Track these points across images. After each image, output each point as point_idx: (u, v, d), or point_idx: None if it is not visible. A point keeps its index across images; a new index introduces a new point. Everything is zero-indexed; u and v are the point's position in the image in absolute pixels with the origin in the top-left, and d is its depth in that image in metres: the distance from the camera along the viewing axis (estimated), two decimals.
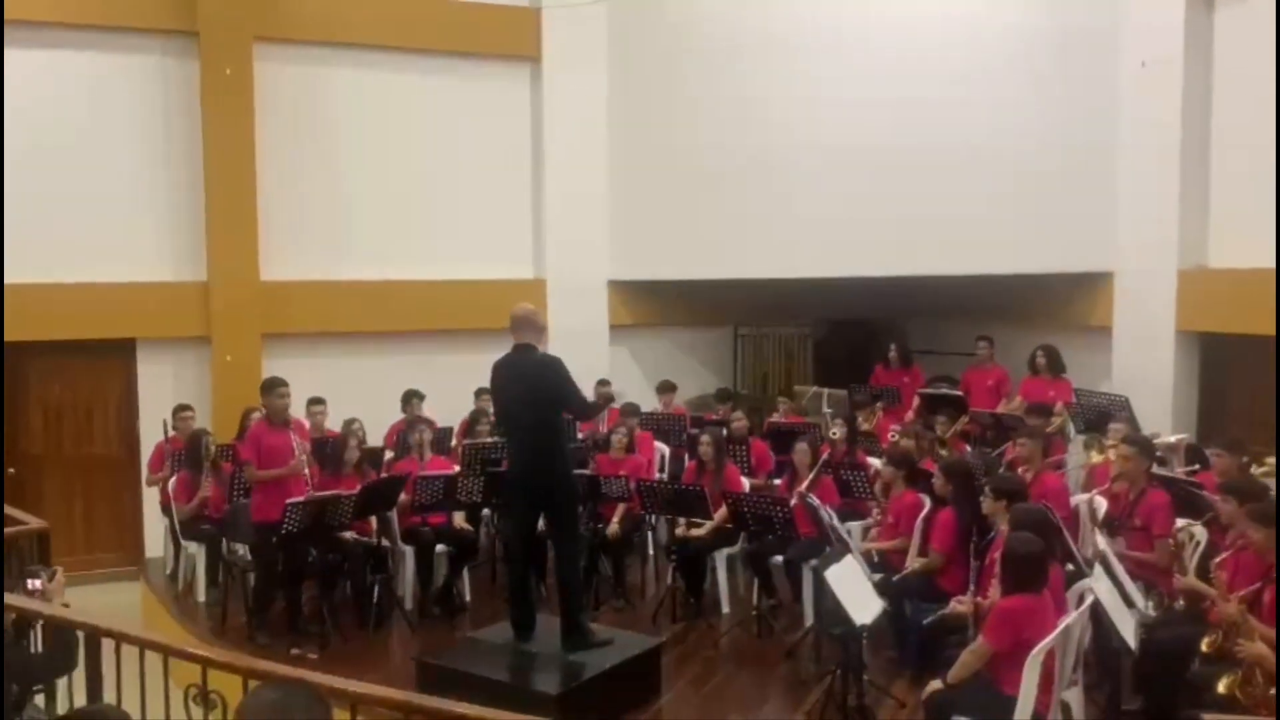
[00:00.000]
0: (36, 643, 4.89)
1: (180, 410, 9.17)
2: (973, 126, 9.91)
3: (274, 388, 7.45)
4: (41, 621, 4.69)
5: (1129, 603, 5.32)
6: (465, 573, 8.16)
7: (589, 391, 7.75)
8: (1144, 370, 9.66)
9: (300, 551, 7.28)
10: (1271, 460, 6.78)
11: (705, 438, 8.14)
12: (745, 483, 8.22)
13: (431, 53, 10.99)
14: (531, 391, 6.29)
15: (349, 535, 7.66)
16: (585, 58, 11.29)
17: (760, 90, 10.35)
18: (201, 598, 8.38)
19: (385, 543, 7.89)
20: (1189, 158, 9.47)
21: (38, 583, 4.78)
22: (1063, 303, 10.54)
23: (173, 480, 8.59)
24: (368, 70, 10.79)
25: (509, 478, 6.77)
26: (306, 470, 7.33)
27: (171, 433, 9.11)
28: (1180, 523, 6.27)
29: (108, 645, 4.59)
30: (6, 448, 9.41)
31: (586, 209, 11.34)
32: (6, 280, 9.16)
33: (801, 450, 7.78)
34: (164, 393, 9.83)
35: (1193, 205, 9.52)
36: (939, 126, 9.92)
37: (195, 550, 8.48)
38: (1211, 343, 9.61)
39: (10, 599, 4.64)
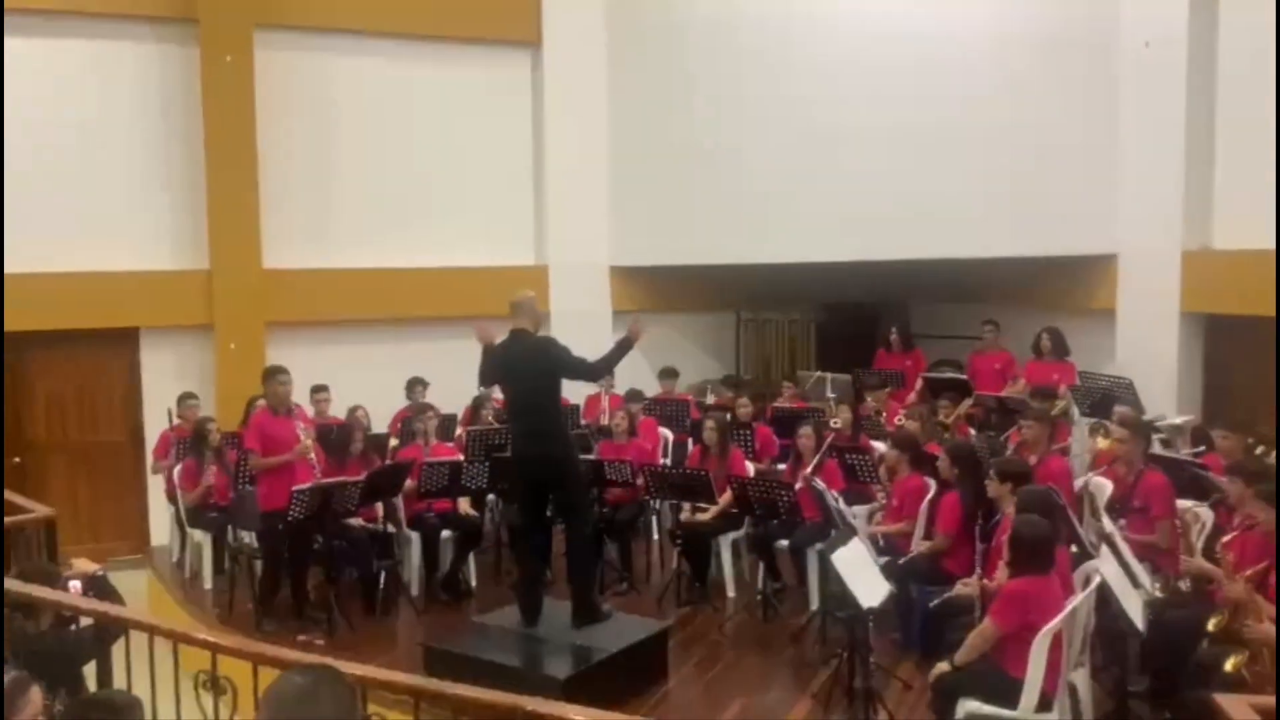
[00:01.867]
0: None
1: (185, 398, 9.18)
2: (975, 109, 9.86)
3: (275, 375, 7.44)
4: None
5: (1135, 584, 5.32)
6: (471, 558, 8.18)
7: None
8: (1148, 352, 9.64)
9: (306, 538, 7.28)
10: None
11: (710, 422, 8.14)
12: (750, 467, 8.22)
13: (432, 39, 10.96)
14: (531, 374, 6.35)
15: (355, 522, 7.68)
16: (586, 42, 11.25)
17: (761, 75, 10.31)
18: (208, 585, 8.40)
19: (391, 529, 7.91)
20: (1193, 138, 9.43)
21: (77, 584, 4.78)
22: (1066, 285, 10.51)
23: (178, 468, 8.60)
24: (368, 57, 10.75)
25: (513, 461, 6.78)
26: (312, 455, 7.32)
27: (176, 421, 9.10)
28: (1186, 504, 6.27)
29: None
30: (11, 437, 9.42)
31: (588, 194, 11.31)
32: (7, 270, 9.14)
33: (806, 434, 7.76)
34: (167, 381, 9.83)
35: (1197, 186, 9.48)
36: (941, 110, 9.88)
37: (201, 538, 8.49)
38: (1216, 324, 9.59)
39: (13, 585, 4.64)
